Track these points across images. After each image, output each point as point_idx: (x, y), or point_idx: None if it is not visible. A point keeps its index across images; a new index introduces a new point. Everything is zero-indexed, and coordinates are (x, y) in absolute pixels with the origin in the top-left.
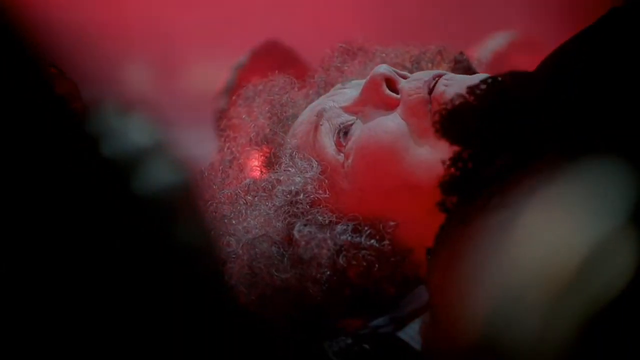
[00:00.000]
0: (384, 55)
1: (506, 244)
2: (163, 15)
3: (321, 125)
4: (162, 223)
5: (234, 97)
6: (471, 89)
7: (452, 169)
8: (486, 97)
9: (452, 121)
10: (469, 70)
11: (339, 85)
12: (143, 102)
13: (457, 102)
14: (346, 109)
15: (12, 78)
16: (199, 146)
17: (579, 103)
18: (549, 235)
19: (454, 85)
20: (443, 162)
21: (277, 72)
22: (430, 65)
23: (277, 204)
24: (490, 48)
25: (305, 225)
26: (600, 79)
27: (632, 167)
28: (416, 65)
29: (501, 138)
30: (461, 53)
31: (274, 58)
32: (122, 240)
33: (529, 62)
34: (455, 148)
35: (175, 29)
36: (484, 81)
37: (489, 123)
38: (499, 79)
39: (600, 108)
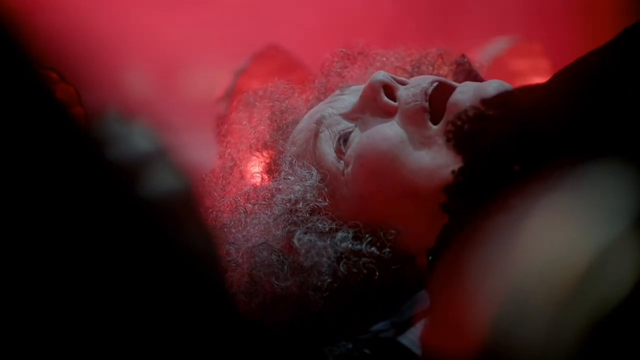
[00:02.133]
0: (384, 59)
1: (510, 249)
2: (164, 21)
3: (320, 132)
4: (164, 228)
5: (234, 103)
6: (486, 102)
7: (460, 177)
8: (501, 110)
9: (466, 133)
10: (470, 74)
11: (338, 92)
12: (144, 108)
13: (471, 114)
14: (345, 116)
15: (13, 83)
16: (201, 151)
17: (587, 112)
18: (554, 240)
19: (468, 92)
20: (453, 172)
21: (277, 77)
22: (430, 68)
23: (276, 212)
24: (490, 53)
25: (305, 233)
26: (616, 93)
27: (635, 172)
28: (417, 69)
29: (513, 149)
30: (462, 56)
31: (275, 63)
32: (124, 245)
33: (527, 68)
34: (462, 156)
35: (176, 34)
36: (499, 95)
37: (502, 137)
38: (513, 92)
39: (609, 118)
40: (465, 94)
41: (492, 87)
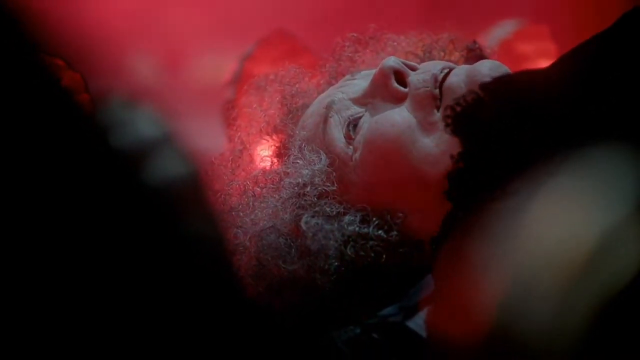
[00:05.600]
0: (395, 44)
1: (515, 234)
2: (169, 6)
3: (330, 117)
4: (171, 214)
5: (244, 87)
6: (484, 86)
7: (461, 163)
8: (499, 95)
9: (463, 118)
10: (481, 59)
11: (348, 76)
12: (150, 94)
13: (469, 99)
14: (355, 101)
15: (19, 71)
16: (207, 137)
17: (591, 97)
18: (559, 224)
19: (461, 74)
20: (452, 157)
21: (287, 61)
22: (442, 54)
23: (284, 196)
24: (495, 37)
25: (312, 216)
26: (617, 77)
27: (638, 156)
28: (428, 54)
29: (510, 134)
30: (474, 42)
31: (281, 48)
32: (131, 231)
33: (534, 51)
34: (464, 142)
35: (181, 19)
36: (497, 79)
37: (501, 121)
38: (512, 77)
39: (611, 101)
40: (458, 75)
41: (485, 67)
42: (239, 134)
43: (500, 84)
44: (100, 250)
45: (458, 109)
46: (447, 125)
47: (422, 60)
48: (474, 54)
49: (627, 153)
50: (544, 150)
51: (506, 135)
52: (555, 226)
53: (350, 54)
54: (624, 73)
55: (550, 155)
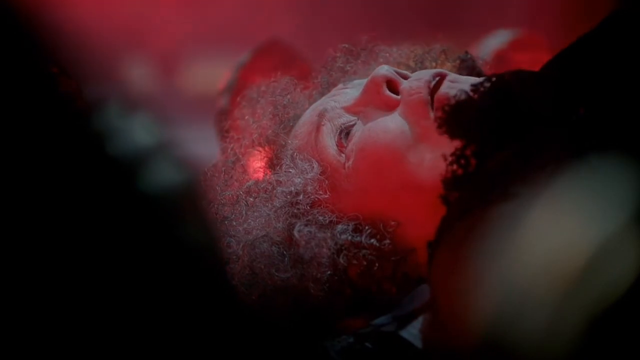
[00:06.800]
0: (387, 54)
1: (511, 240)
2: (164, 14)
3: (323, 125)
4: (165, 222)
5: (238, 98)
6: (475, 86)
7: (455, 165)
8: (489, 94)
9: (454, 117)
10: (473, 70)
11: (340, 85)
12: (146, 102)
13: (460, 98)
14: (347, 109)
15: (15, 78)
16: (202, 145)
17: (584, 102)
18: (555, 232)
19: (459, 86)
20: (445, 158)
21: (280, 72)
22: (434, 64)
23: (277, 204)
24: (490, 46)
25: (305, 225)
26: (604, 79)
27: (636, 164)
28: (420, 65)
29: (503, 135)
30: (466, 52)
31: (276, 57)
32: (125, 239)
33: (529, 60)
34: (457, 144)
35: (177, 28)
36: (487, 79)
37: (491, 119)
38: (503, 77)
39: (604, 107)
40: (455, 88)
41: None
42: (232, 145)
43: (491, 83)
44: (95, 258)
45: (448, 108)
46: (439, 126)
47: (414, 71)
48: (466, 65)
49: (624, 161)
50: (539, 152)
51: (497, 134)
52: (552, 234)
53: (341, 65)
54: (618, 76)
55: (546, 161)
